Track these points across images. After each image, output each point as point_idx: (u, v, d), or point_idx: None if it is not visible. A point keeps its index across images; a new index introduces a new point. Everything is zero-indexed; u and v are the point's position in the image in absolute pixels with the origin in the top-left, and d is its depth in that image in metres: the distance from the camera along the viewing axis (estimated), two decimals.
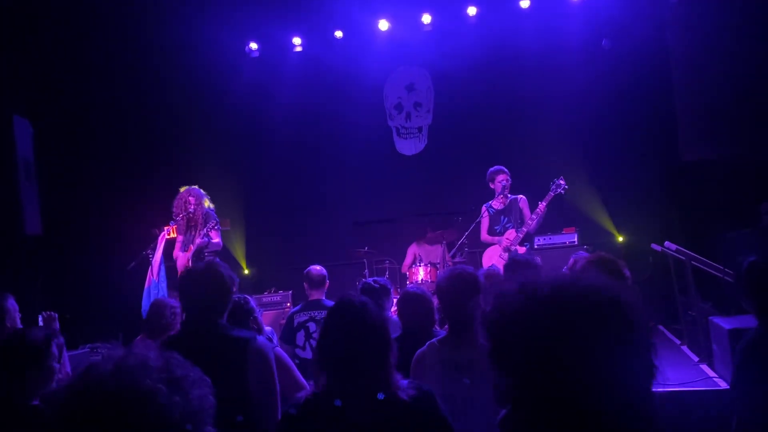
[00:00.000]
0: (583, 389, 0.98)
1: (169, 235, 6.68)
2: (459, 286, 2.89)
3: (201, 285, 2.75)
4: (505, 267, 4.01)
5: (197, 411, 1.05)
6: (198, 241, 6.21)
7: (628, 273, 3.05)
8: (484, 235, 6.85)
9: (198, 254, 6.26)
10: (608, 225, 8.16)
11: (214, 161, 8.71)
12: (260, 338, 2.78)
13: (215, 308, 2.75)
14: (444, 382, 2.70)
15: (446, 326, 3.23)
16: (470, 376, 2.75)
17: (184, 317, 2.88)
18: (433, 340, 2.92)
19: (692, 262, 5.79)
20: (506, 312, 1.06)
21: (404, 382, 2.06)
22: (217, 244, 6.38)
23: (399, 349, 2.99)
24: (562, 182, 6.52)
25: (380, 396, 1.97)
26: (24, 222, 5.99)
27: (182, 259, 6.36)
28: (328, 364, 2.04)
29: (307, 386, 3.41)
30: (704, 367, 5.16)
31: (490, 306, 1.11)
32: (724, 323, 4.62)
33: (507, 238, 6.57)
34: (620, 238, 8.15)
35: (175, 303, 4.49)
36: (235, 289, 2.87)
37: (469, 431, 2.63)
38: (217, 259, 6.19)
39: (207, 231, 6.21)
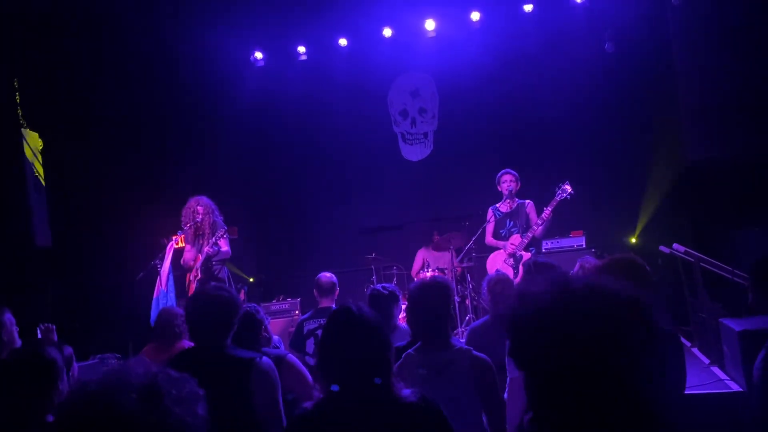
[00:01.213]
0: (609, 391, 0.97)
1: (177, 244, 6.71)
2: (432, 294, 2.98)
3: (206, 308, 2.76)
4: (526, 270, 3.97)
5: (177, 429, 1.07)
6: (207, 250, 6.24)
7: (648, 268, 3.04)
8: (489, 238, 6.84)
9: (207, 263, 6.29)
10: (616, 227, 8.13)
11: (221, 170, 8.75)
12: (265, 359, 2.79)
13: (220, 331, 2.76)
14: (424, 389, 2.71)
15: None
16: (449, 377, 2.79)
17: (189, 338, 2.90)
18: (410, 350, 2.96)
19: (701, 264, 5.77)
20: (537, 306, 1.05)
21: (407, 391, 2.06)
22: (225, 252, 6.41)
23: None
24: (567, 187, 6.45)
25: (377, 380, 1.98)
26: (34, 234, 6.04)
27: (190, 263, 6.40)
28: (328, 372, 2.05)
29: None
30: (715, 369, 5.14)
31: (516, 302, 1.10)
32: (735, 325, 4.59)
33: (512, 244, 6.54)
34: (633, 240, 8.12)
35: (183, 312, 4.51)
36: (239, 310, 2.89)
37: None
38: (225, 272, 6.25)
39: (216, 240, 6.24)
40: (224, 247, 6.38)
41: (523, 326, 1.06)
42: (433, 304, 2.96)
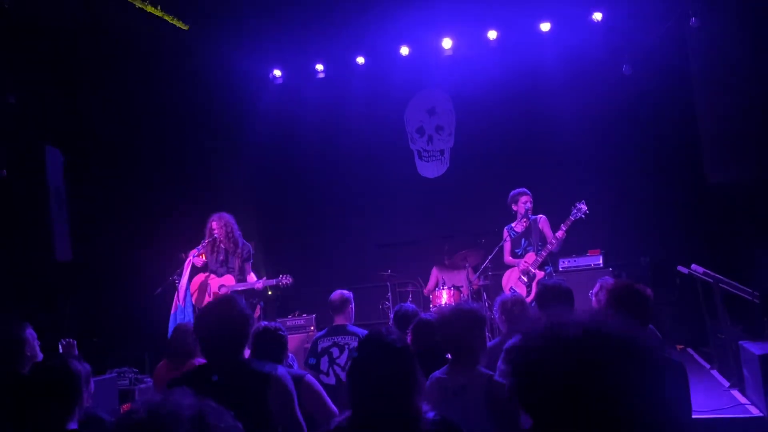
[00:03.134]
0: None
1: (199, 256, 6.75)
2: (460, 320, 2.97)
3: (217, 325, 2.73)
4: (537, 295, 3.94)
5: None
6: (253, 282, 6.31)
7: (650, 292, 3.01)
8: (507, 257, 6.80)
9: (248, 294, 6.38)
10: (633, 247, 8.05)
11: (239, 185, 8.84)
12: (281, 370, 2.77)
13: (233, 346, 2.74)
14: (442, 407, 2.71)
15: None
16: (463, 400, 2.79)
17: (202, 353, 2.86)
18: (437, 373, 2.97)
19: (720, 285, 5.70)
20: (532, 352, 1.07)
21: (431, 413, 2.09)
22: (252, 283, 6.45)
23: None
24: (583, 207, 6.37)
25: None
26: (54, 249, 6.12)
27: (220, 282, 6.46)
28: (355, 394, 2.09)
29: (337, 413, 3.42)
30: (735, 392, 5.05)
31: (518, 343, 1.12)
32: (755, 348, 4.52)
33: (525, 262, 6.50)
34: (646, 260, 8.03)
35: None
36: (252, 323, 2.86)
37: None
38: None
39: (243, 263, 6.34)
40: (251, 275, 6.46)
41: (521, 373, 1.07)
42: (464, 330, 2.95)
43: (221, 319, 2.73)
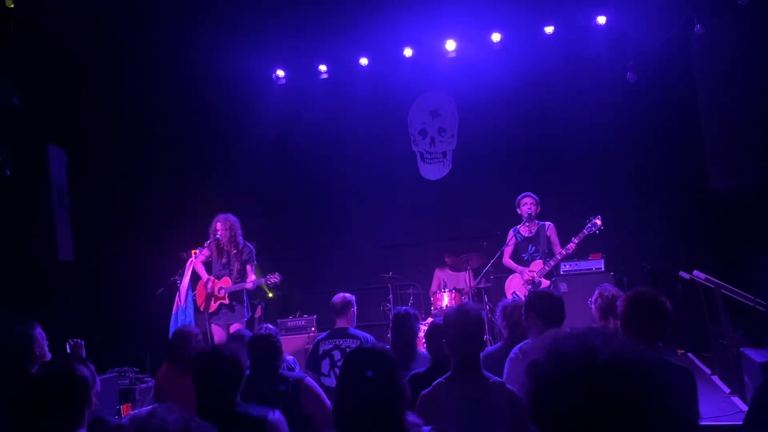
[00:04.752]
0: None
1: (204, 258, 6.75)
2: (466, 323, 2.88)
3: (214, 371, 2.73)
4: (525, 303, 3.86)
5: None
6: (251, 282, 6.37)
7: (669, 306, 2.99)
8: (506, 259, 6.75)
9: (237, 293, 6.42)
10: (635, 251, 8.03)
11: (241, 186, 8.84)
12: (277, 413, 2.76)
13: (229, 391, 2.73)
14: (460, 420, 2.68)
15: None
16: (484, 412, 2.74)
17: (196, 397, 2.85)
18: (440, 379, 2.89)
19: (722, 291, 5.70)
20: (563, 369, 1.06)
21: (426, 429, 2.06)
22: (249, 282, 6.47)
23: (428, 382, 2.97)
24: (598, 222, 6.21)
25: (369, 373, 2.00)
26: (57, 248, 6.14)
27: (219, 284, 6.47)
28: (344, 416, 2.05)
29: None
30: (736, 399, 5.04)
31: (543, 358, 1.11)
32: (757, 356, 4.52)
33: (531, 270, 6.46)
34: (648, 265, 8.02)
35: (198, 331, 4.56)
36: (245, 370, 2.84)
37: None
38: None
39: (243, 265, 6.37)
40: (250, 275, 6.48)
41: (544, 391, 1.07)
42: (471, 333, 2.87)
43: (218, 368, 2.73)
